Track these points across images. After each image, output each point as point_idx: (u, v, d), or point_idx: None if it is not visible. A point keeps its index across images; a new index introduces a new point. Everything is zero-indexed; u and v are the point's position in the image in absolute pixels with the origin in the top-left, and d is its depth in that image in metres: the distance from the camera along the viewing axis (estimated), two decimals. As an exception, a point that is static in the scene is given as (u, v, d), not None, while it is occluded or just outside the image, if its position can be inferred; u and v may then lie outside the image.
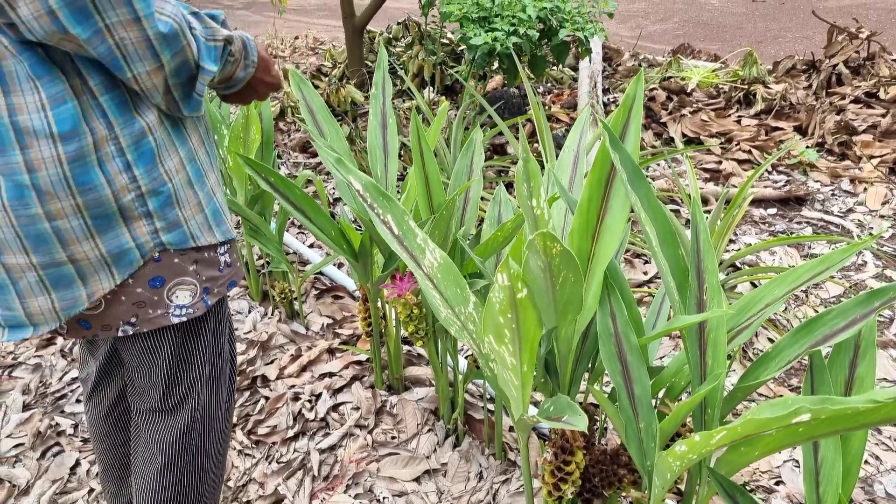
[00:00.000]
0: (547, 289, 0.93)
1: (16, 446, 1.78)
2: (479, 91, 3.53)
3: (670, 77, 3.30)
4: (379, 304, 1.74)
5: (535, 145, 2.99)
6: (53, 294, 0.94)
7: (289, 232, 2.67)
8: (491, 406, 1.77)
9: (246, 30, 6.72)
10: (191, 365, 1.12)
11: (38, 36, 0.78)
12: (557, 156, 1.45)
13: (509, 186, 2.74)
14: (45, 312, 0.95)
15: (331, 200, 2.84)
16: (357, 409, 1.80)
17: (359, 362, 1.95)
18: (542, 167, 2.15)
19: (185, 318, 1.03)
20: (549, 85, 3.78)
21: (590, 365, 1.24)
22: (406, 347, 2.01)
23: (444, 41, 3.82)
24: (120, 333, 1.01)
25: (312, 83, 3.84)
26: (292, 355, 2.00)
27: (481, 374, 1.57)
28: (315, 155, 3.27)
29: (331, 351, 2.02)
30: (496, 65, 2.69)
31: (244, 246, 2.25)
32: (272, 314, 2.21)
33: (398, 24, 4.17)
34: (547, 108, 3.31)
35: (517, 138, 2.75)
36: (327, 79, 3.94)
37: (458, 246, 1.48)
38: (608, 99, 3.30)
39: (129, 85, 0.87)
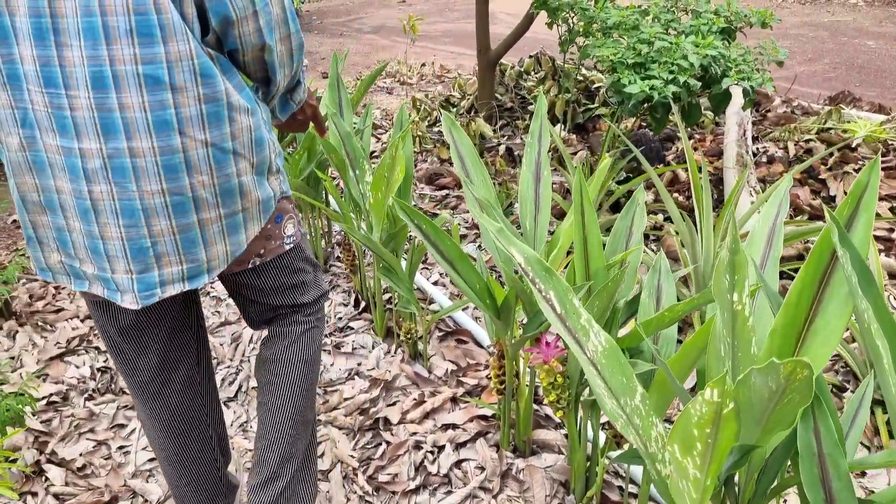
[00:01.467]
0: (765, 408, 0.80)
1: (150, 460, 1.83)
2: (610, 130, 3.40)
3: (830, 128, 3.03)
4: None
5: (674, 195, 2.82)
6: (228, 240, 1.14)
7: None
8: (633, 489, 1.63)
9: (375, 55, 6.91)
10: (303, 274, 1.35)
11: (247, 47, 1.07)
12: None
13: (648, 238, 2.59)
14: (219, 257, 1.14)
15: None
16: (481, 468, 1.71)
17: (483, 417, 1.87)
18: (692, 221, 1.99)
19: (292, 245, 1.29)
20: (688, 129, 3.59)
21: (774, 481, 1.09)
22: (535, 406, 1.91)
23: (578, 77, 3.72)
24: (249, 266, 1.23)
25: (441, 113, 3.86)
26: (415, 400, 1.95)
27: (624, 453, 1.45)
28: (442, 187, 3.25)
29: (454, 399, 1.96)
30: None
31: (373, 279, 2.24)
32: (395, 352, 2.18)
33: (530, 57, 4.12)
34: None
35: (646, 187, 2.60)
36: (455, 109, 3.94)
37: (616, 317, 1.37)
38: (757, 149, 3.07)
39: (268, 85, 1.18)
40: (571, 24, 3.05)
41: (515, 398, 1.72)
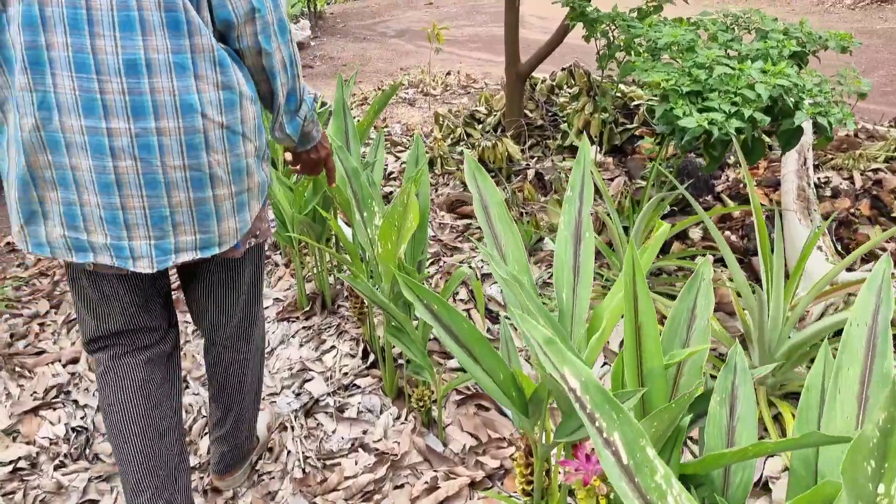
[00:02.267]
0: None
1: None
2: (654, 154, 3.08)
3: (903, 157, 2.68)
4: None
5: (725, 233, 2.50)
6: (237, 216, 1.26)
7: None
8: None
9: (398, 61, 6.64)
10: (262, 273, 1.54)
11: (244, 47, 1.19)
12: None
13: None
14: (230, 232, 1.26)
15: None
16: (502, 584, 1.43)
17: (506, 512, 1.59)
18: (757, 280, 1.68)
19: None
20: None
21: None
22: None
23: (615, 94, 3.41)
24: (247, 245, 1.37)
25: (465, 131, 3.57)
26: (427, 484, 1.68)
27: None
28: (465, 216, 2.97)
29: (472, 485, 1.68)
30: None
31: (376, 330, 1.97)
32: (406, 418, 1.91)
33: (563, 70, 3.82)
34: (741, 186, 2.79)
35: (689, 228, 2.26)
36: (480, 126, 3.66)
37: (679, 439, 1.08)
38: (819, 179, 2.73)
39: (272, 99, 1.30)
40: (612, 38, 2.74)
41: (545, 501, 1.43)
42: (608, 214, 2.38)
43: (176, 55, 1.10)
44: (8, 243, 3.12)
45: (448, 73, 5.31)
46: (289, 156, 1.53)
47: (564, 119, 3.47)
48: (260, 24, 1.16)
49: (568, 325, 1.32)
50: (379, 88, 5.03)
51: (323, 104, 4.40)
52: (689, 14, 2.73)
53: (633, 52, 2.74)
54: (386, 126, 4.07)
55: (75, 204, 1.15)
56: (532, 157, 3.32)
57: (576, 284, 1.34)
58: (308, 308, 2.43)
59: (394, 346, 2.09)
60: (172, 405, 1.44)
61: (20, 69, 1.07)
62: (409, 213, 1.61)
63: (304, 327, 2.36)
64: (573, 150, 3.35)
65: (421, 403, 1.83)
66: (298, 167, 1.53)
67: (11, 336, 2.37)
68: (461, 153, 3.39)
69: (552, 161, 3.28)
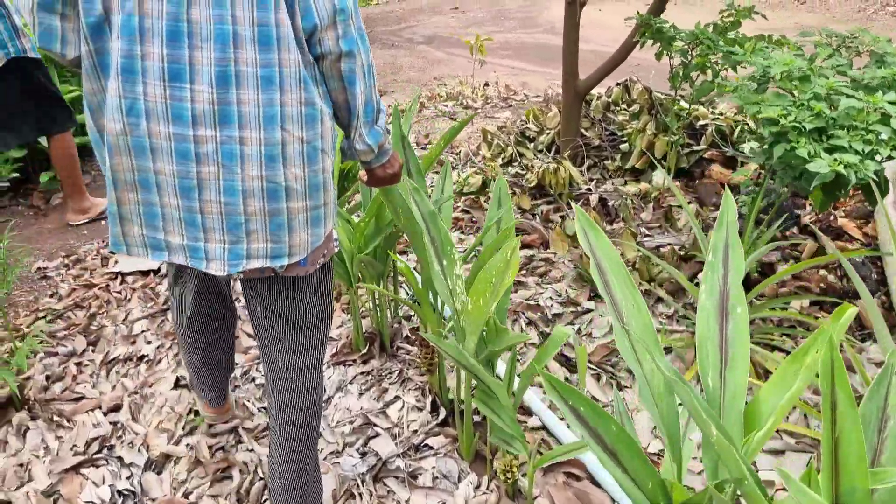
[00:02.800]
0: None
1: None
2: (726, 178, 2.87)
3: None
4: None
5: (820, 272, 2.28)
6: (310, 230, 1.28)
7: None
8: None
9: (430, 69, 6.44)
10: (330, 294, 1.52)
11: (326, 51, 1.20)
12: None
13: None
14: (301, 244, 1.27)
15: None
16: None
17: None
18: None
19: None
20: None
21: None
22: None
23: (679, 112, 3.20)
24: (318, 265, 1.38)
25: (517, 150, 3.38)
26: (520, 573, 1.48)
27: None
28: (525, 245, 2.77)
29: (572, 575, 1.48)
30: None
31: (457, 383, 1.78)
32: (488, 487, 1.71)
33: (618, 85, 3.61)
34: (830, 218, 2.58)
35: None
36: (532, 145, 3.46)
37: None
38: (917, 212, 2.50)
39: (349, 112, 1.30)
40: (689, 57, 2.54)
41: None
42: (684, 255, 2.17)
43: (264, 69, 1.15)
44: (39, 268, 2.96)
45: (486, 85, 5.11)
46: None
47: (623, 139, 3.27)
48: (342, 28, 1.18)
49: (718, 414, 1.12)
50: (421, 103, 4.85)
51: None
52: (766, 27, 2.52)
53: (711, 73, 2.54)
54: (429, 142, 3.88)
55: (156, 205, 1.21)
56: (591, 180, 3.12)
57: (724, 367, 1.14)
58: (365, 350, 2.24)
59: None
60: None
61: (113, 76, 1.13)
62: (510, 270, 1.41)
63: (362, 372, 2.17)
64: (635, 172, 3.15)
65: (508, 475, 1.63)
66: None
67: (48, 378, 2.20)
68: (516, 175, 3.20)
69: (613, 184, 3.08)
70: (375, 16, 9.70)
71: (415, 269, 2.62)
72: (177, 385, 2.16)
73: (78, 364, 2.29)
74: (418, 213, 1.64)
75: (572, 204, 1.56)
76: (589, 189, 2.99)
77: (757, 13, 2.67)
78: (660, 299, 2.32)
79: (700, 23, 2.50)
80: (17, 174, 3.48)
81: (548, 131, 3.43)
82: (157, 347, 2.35)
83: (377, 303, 2.22)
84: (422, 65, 6.54)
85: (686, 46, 2.48)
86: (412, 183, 1.66)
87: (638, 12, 2.83)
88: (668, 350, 2.06)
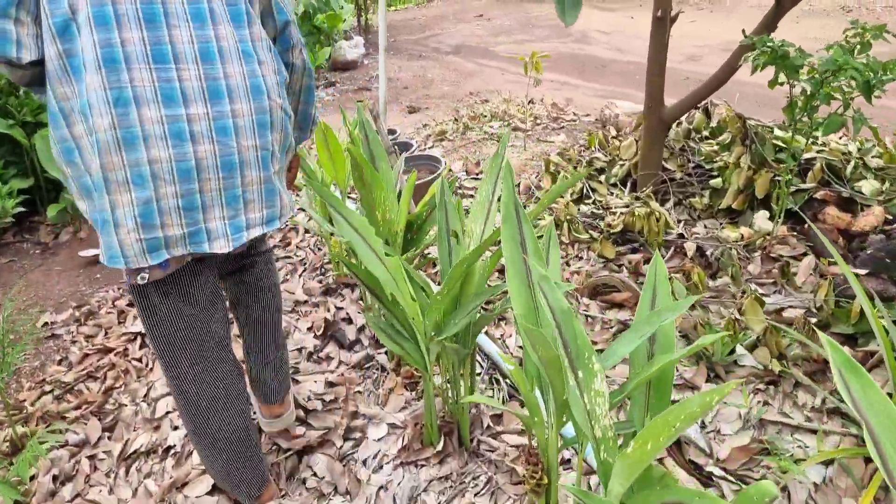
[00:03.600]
0: None
1: None
2: (844, 224, 2.46)
3: None
4: None
5: None
6: (286, 191, 1.41)
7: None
8: None
9: (464, 83, 6.03)
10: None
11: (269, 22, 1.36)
12: None
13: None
14: (287, 206, 1.39)
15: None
16: None
17: None
18: None
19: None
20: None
21: None
22: None
23: (776, 142, 2.78)
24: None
25: (588, 185, 2.97)
26: None
27: None
28: (614, 305, 2.36)
29: None
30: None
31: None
32: None
33: (697, 109, 3.20)
34: None
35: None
36: (604, 177, 3.05)
37: None
38: None
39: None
40: (818, 87, 2.12)
41: None
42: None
43: (241, 43, 1.22)
44: (46, 324, 2.58)
45: (531, 102, 4.71)
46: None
47: (713, 173, 2.85)
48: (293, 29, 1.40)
49: None
50: (455, 119, 4.44)
51: (391, 132, 3.82)
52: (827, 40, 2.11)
53: (843, 104, 2.13)
54: (480, 171, 3.48)
55: (151, 200, 1.16)
56: (678, 222, 2.71)
57: None
58: (441, 447, 1.84)
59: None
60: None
61: (93, 69, 1.10)
62: (701, 412, 1.01)
63: (439, 477, 1.77)
64: (731, 213, 2.74)
65: None
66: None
67: (55, 479, 1.81)
68: (592, 213, 2.78)
69: (705, 227, 2.67)
70: (398, 23, 9.33)
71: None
72: (214, 490, 1.76)
73: (91, 457, 1.90)
74: (547, 309, 1.24)
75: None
76: (682, 234, 2.57)
77: (888, 32, 2.26)
78: (797, 384, 1.90)
79: (803, 46, 2.09)
80: (22, 208, 3.10)
81: (621, 162, 3.02)
82: (186, 435, 1.95)
83: (454, 392, 1.82)
84: (454, 78, 6.14)
85: (819, 75, 2.07)
86: (539, 270, 1.25)
87: (744, 31, 2.42)
88: (829, 463, 1.65)
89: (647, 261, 2.47)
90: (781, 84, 2.21)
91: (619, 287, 2.34)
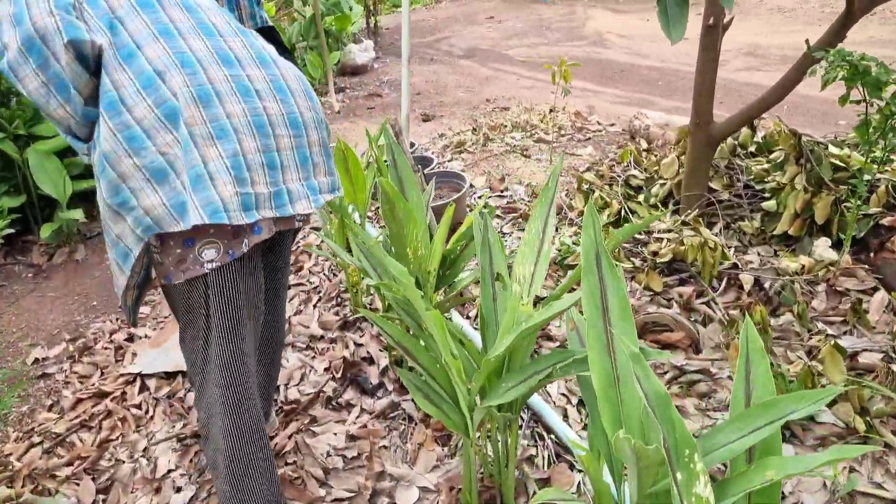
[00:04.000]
0: None
1: None
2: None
3: None
4: None
5: None
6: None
7: None
8: None
9: (481, 89, 5.77)
10: None
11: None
12: None
13: None
14: (337, 175, 1.41)
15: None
16: None
17: None
18: None
19: None
20: None
21: None
22: None
23: (833, 161, 2.54)
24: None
25: (626, 206, 2.74)
26: None
27: None
28: (667, 345, 2.12)
29: None
30: None
31: None
32: None
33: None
34: None
35: None
36: (642, 197, 2.82)
37: None
38: None
39: None
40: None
41: None
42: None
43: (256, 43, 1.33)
44: (37, 360, 2.35)
45: (552, 110, 4.47)
46: None
47: (765, 194, 2.62)
48: None
49: None
50: (474, 129, 4.21)
51: (410, 145, 3.59)
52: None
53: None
54: (505, 188, 3.24)
55: (238, 154, 1.18)
56: (727, 248, 2.48)
57: None
58: (481, 518, 1.61)
59: None
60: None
61: (151, 41, 1.17)
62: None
63: (481, 558, 1.54)
64: (786, 239, 2.50)
65: None
66: None
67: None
68: (636, 240, 2.55)
69: (759, 256, 2.43)
70: (406, 26, 9.10)
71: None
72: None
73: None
74: (641, 393, 1.01)
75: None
76: (735, 264, 2.33)
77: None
78: (889, 447, 1.66)
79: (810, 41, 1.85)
80: (11, 230, 2.87)
81: (661, 181, 2.78)
82: (192, 498, 1.73)
83: (497, 455, 1.59)
84: (468, 83, 5.90)
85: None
86: (630, 343, 1.02)
87: (808, 41, 2.18)
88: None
89: (699, 294, 2.24)
90: (858, 103, 1.98)
91: (671, 326, 2.10)
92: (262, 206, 1.20)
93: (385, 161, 1.88)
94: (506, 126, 4.13)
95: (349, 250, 2.45)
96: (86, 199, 3.48)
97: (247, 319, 1.32)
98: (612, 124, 4.29)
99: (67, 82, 1.16)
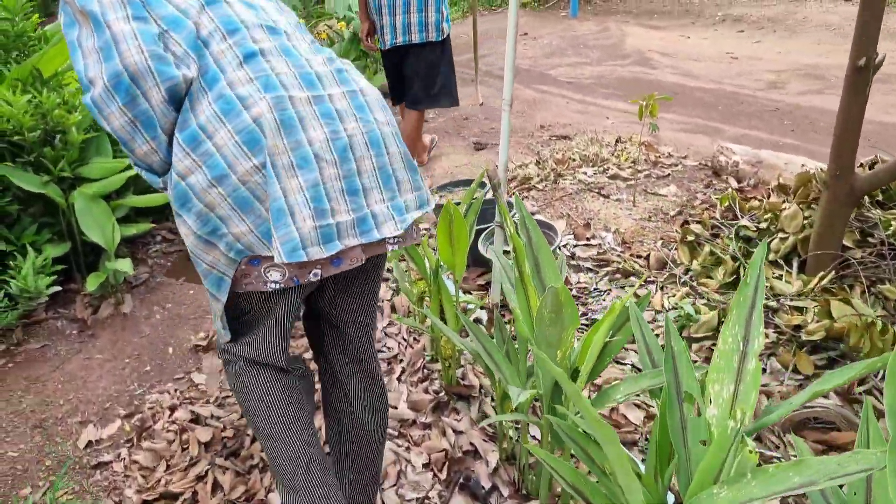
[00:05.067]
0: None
1: None
2: None
3: None
4: None
5: None
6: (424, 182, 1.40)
7: None
8: None
9: (533, 114, 5.50)
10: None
11: None
12: None
13: None
14: (426, 189, 1.37)
15: None
16: None
17: None
18: None
19: None
20: None
21: None
22: None
23: None
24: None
25: (745, 264, 2.43)
26: None
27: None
28: (834, 446, 1.81)
29: None
30: None
31: None
32: None
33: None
34: None
35: None
36: (769, 242, 2.50)
37: None
38: None
39: None
40: None
41: None
42: None
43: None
44: (90, 443, 2.07)
45: (618, 141, 4.18)
46: None
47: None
48: None
49: None
50: (538, 162, 3.93)
51: (483, 185, 3.33)
52: None
53: None
54: (592, 236, 2.95)
55: (319, 183, 1.17)
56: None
57: None
58: None
59: None
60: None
61: (235, 66, 1.18)
62: None
63: None
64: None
65: None
66: None
67: None
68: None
69: (911, 327, 2.11)
70: (438, 42, 8.84)
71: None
72: None
73: None
74: None
75: None
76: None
77: None
78: None
79: None
80: (58, 287, 2.60)
81: (782, 235, 2.48)
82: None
83: None
84: (517, 107, 5.61)
85: None
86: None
87: None
88: None
89: (860, 382, 1.93)
90: None
91: (837, 423, 1.79)
92: (345, 234, 1.19)
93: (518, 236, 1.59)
94: (573, 159, 3.83)
95: (442, 317, 2.16)
96: (131, 243, 3.21)
97: (282, 341, 1.36)
98: (685, 156, 3.99)
99: (156, 121, 1.15)
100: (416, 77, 3.55)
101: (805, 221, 2.43)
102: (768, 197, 2.91)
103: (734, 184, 3.31)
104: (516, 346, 1.74)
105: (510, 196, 3.28)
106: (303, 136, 1.16)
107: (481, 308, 2.53)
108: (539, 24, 10.07)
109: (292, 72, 1.21)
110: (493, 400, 2.09)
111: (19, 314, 2.56)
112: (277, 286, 1.19)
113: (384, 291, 2.77)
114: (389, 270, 2.92)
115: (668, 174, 3.62)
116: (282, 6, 1.40)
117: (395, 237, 1.28)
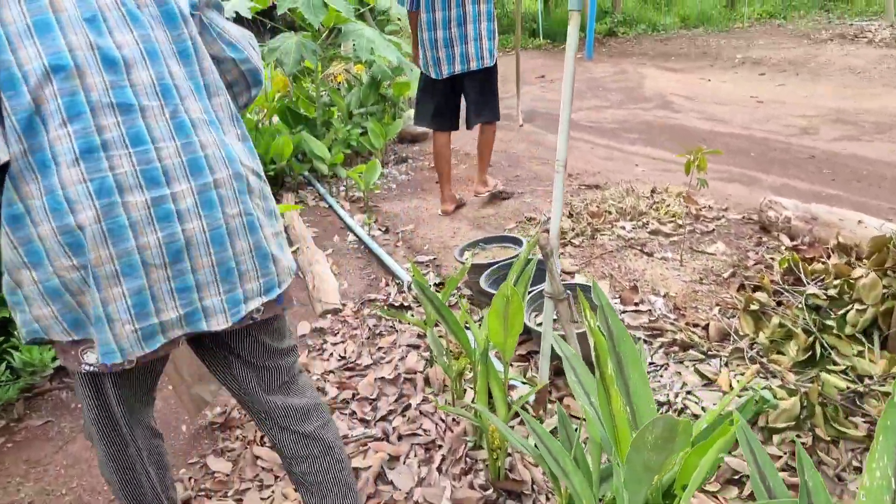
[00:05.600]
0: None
1: None
2: None
3: None
4: None
5: None
6: (285, 254, 1.37)
7: None
8: None
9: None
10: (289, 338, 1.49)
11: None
12: None
13: None
14: (285, 271, 1.37)
15: None
16: None
17: None
18: None
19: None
20: None
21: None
22: None
23: None
24: (291, 304, 1.40)
25: (823, 340, 2.20)
26: None
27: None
28: None
29: None
30: None
31: None
32: None
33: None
34: None
35: None
36: (833, 323, 2.28)
37: None
38: None
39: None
40: None
41: None
42: None
43: (207, 114, 1.23)
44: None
45: (654, 192, 3.99)
46: None
47: None
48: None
49: None
50: (571, 215, 3.73)
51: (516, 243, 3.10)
52: None
53: None
54: (640, 301, 2.72)
55: (144, 289, 1.15)
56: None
57: None
58: None
59: None
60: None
61: (70, 162, 1.08)
62: None
63: None
64: None
65: None
66: None
67: None
68: (844, 392, 2.00)
69: None
70: (454, 85, 8.77)
71: None
72: None
73: None
74: None
75: None
76: None
77: None
78: None
79: None
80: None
81: (860, 307, 2.25)
82: None
83: None
84: (539, 153, 5.47)
85: None
86: None
87: None
88: None
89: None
90: None
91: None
92: (170, 329, 1.19)
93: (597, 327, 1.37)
94: (609, 212, 3.64)
95: (490, 405, 1.93)
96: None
97: (124, 427, 1.34)
98: (725, 208, 3.79)
99: None
100: (474, 97, 3.97)
101: (885, 290, 2.21)
102: (828, 257, 2.70)
103: (787, 241, 3.09)
104: (586, 449, 1.51)
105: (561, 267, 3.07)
106: (132, 244, 1.12)
107: (523, 383, 2.30)
108: (555, 65, 10.02)
109: (135, 170, 1.13)
110: (547, 499, 1.85)
111: (21, 388, 2.35)
112: (92, 368, 1.17)
113: (415, 362, 2.55)
114: (421, 336, 2.70)
115: (713, 229, 3.41)
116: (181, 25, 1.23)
117: (256, 309, 1.28)
